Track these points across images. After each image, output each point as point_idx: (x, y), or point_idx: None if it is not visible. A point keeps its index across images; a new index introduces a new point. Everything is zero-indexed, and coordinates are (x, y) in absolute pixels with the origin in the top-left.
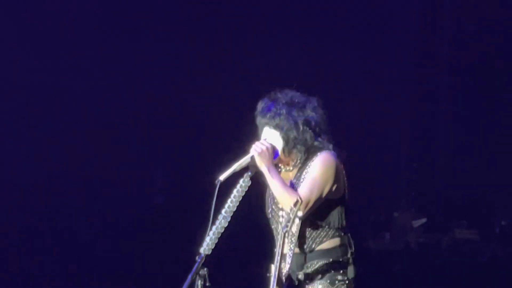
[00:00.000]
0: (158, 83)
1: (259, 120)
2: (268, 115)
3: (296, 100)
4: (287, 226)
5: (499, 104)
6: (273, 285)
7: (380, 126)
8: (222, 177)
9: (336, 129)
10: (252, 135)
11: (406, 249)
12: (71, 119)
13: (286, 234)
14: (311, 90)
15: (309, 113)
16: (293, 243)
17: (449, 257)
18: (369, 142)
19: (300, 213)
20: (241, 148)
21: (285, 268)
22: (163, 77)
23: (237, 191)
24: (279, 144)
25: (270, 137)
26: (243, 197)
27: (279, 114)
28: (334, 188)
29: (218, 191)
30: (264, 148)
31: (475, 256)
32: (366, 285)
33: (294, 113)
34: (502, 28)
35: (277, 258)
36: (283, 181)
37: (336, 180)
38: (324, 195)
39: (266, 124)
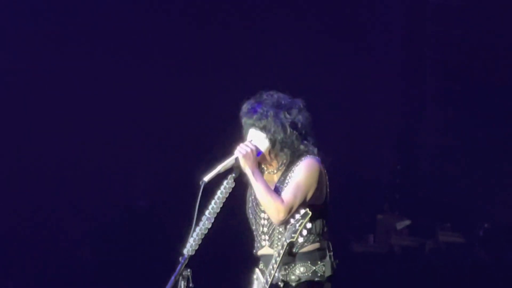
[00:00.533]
0: (141, 86)
1: (245, 121)
2: (254, 117)
3: (283, 102)
4: (292, 237)
5: (484, 108)
6: None
7: (365, 129)
8: (206, 178)
9: (321, 132)
10: (237, 136)
11: (389, 252)
12: (55, 123)
13: (286, 244)
14: (296, 93)
15: (296, 115)
16: (279, 247)
17: (433, 260)
18: (353, 145)
19: (309, 225)
20: (226, 149)
21: (268, 269)
22: (147, 81)
23: (221, 193)
24: (265, 146)
25: (256, 138)
26: (227, 198)
27: (266, 116)
28: (317, 193)
29: (202, 192)
30: (248, 150)
31: (459, 259)
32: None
33: (281, 115)
34: (487, 31)
35: (273, 266)
36: (267, 185)
37: (319, 185)
38: (307, 200)
39: (252, 125)
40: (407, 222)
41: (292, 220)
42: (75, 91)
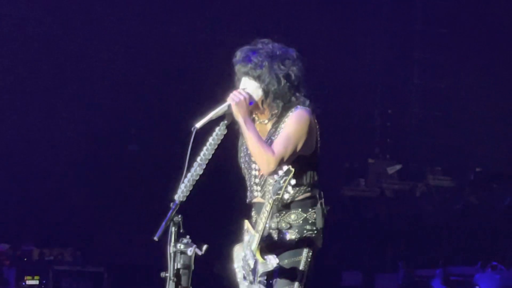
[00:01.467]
0: (133, 32)
1: (238, 68)
2: (249, 65)
3: (277, 53)
4: (278, 194)
5: (473, 52)
6: (257, 242)
7: (356, 74)
8: (198, 124)
9: (313, 78)
10: (229, 84)
11: (380, 195)
12: (48, 70)
13: (272, 201)
14: (290, 41)
15: (290, 66)
16: (266, 202)
17: (423, 203)
18: (344, 89)
19: (293, 181)
20: (218, 96)
21: (258, 222)
22: (139, 27)
23: (213, 139)
24: (257, 95)
25: (249, 87)
26: (219, 145)
27: (261, 66)
28: (307, 144)
29: (193, 138)
30: (242, 98)
31: (449, 202)
32: (341, 231)
33: (276, 66)
34: None
35: (262, 220)
36: (258, 135)
37: (310, 136)
38: (297, 151)
39: (246, 74)
40: (398, 166)
41: (276, 177)
42: (70, 41)
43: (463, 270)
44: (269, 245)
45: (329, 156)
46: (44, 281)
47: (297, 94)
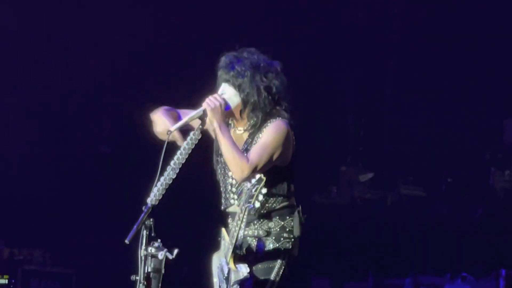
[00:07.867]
0: (106, 32)
1: (220, 74)
2: (231, 73)
3: (261, 64)
4: (249, 202)
5: (447, 60)
6: (231, 251)
7: (328, 81)
8: (173, 128)
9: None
10: (205, 87)
11: (352, 204)
12: (18, 70)
13: (245, 209)
14: (261, 48)
15: (272, 79)
16: (239, 211)
17: (394, 212)
18: (317, 97)
19: (264, 190)
20: (194, 99)
21: (231, 231)
22: (112, 27)
23: (187, 144)
24: (235, 103)
25: (228, 94)
26: (193, 149)
27: (243, 76)
28: (283, 156)
29: (168, 142)
30: (217, 103)
31: (420, 212)
32: (311, 239)
33: (258, 77)
34: None
35: (235, 228)
36: (233, 141)
37: (286, 147)
38: (273, 161)
39: (227, 81)
40: (370, 175)
41: (248, 185)
42: (43, 38)
43: (433, 280)
44: (245, 252)
45: (301, 164)
46: (13, 281)
47: (277, 107)
